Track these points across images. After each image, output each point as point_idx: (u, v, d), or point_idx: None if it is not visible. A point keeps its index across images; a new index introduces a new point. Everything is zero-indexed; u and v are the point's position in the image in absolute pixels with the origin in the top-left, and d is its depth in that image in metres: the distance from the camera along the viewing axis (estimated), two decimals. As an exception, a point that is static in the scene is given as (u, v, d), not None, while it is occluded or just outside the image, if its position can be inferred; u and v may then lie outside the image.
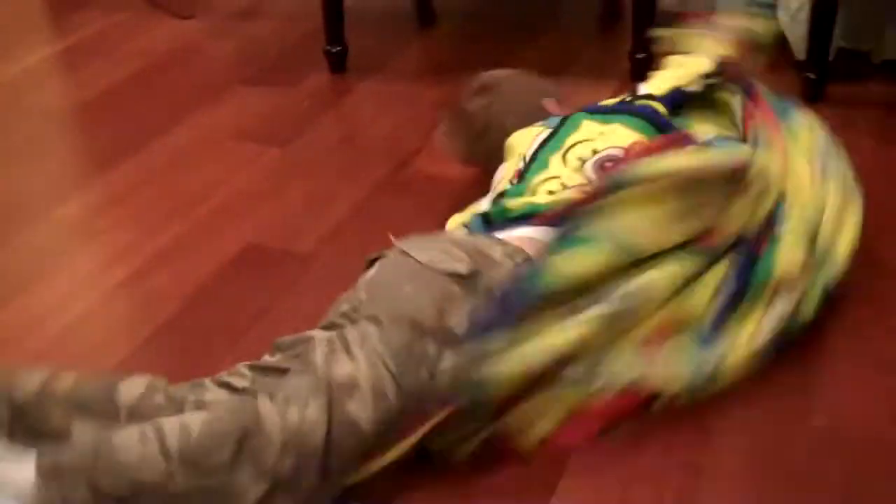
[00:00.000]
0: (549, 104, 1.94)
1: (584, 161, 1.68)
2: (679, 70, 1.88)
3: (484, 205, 1.69)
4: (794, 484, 1.41)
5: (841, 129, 2.23)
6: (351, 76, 2.56)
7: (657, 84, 1.86)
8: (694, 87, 1.84)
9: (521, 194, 1.65)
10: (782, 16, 2.47)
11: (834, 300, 1.72)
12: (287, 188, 2.12)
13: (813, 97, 2.34)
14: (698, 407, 1.53)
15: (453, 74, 2.01)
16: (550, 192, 1.64)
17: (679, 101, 1.83)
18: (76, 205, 2.11)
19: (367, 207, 2.05)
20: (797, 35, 2.44)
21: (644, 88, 1.86)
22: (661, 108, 1.79)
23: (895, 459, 1.44)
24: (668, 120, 1.77)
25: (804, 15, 2.39)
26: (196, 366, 1.65)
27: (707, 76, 1.85)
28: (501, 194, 1.69)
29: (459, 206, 1.79)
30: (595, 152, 1.69)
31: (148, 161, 2.25)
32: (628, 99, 1.84)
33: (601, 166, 1.67)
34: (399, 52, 2.69)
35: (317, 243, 1.94)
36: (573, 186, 1.64)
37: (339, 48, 2.56)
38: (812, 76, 2.33)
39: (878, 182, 2.06)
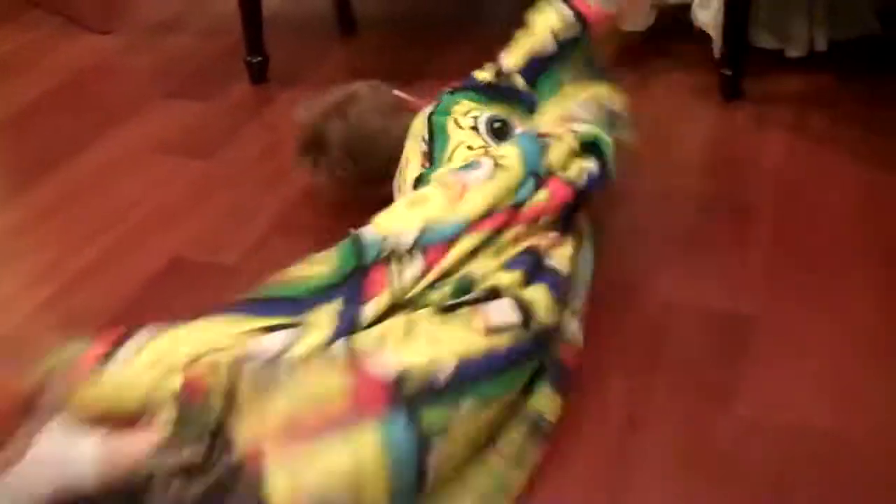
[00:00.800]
0: (402, 93, 1.99)
1: (475, 123, 1.76)
2: (530, 37, 1.90)
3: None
4: (720, 473, 1.44)
5: (757, 125, 2.29)
6: (273, 86, 2.56)
7: (514, 57, 1.88)
8: (549, 50, 1.87)
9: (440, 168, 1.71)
10: (701, 16, 2.51)
11: (754, 285, 1.76)
12: (211, 200, 2.11)
13: (730, 94, 2.39)
14: (623, 399, 1.56)
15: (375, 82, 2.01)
16: (465, 159, 1.70)
17: (539, 68, 1.87)
18: (-4, 225, 2.08)
19: (292, 218, 2.04)
20: (718, 34, 2.48)
21: (504, 61, 1.89)
22: (520, 81, 1.85)
23: (820, 445, 1.47)
24: (527, 93, 1.85)
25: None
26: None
27: (558, 33, 1.87)
28: (419, 178, 1.71)
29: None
30: (477, 118, 1.78)
31: (69, 178, 2.22)
32: (493, 80, 1.87)
33: (491, 127, 1.74)
34: (320, 61, 2.69)
35: (242, 255, 1.94)
36: (478, 147, 1.71)
37: (259, 58, 2.55)
38: (728, 73, 2.38)
39: (792, 175, 2.11)
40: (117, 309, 1.81)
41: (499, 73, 1.88)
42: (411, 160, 1.81)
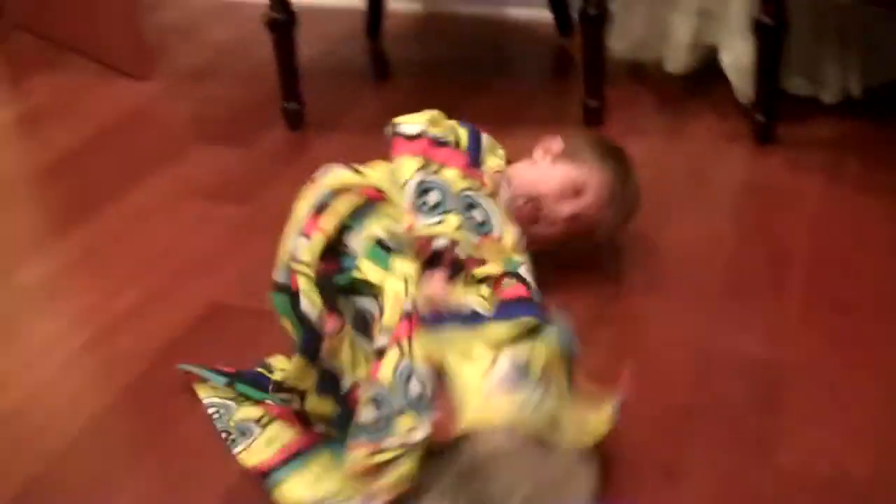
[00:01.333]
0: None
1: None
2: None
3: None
4: (760, 522, 1.43)
5: (792, 170, 2.29)
6: (308, 132, 2.58)
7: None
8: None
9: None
10: (725, 59, 2.52)
11: (790, 332, 1.75)
12: (248, 246, 2.13)
13: (764, 139, 2.39)
14: (661, 450, 1.55)
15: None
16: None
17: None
18: (37, 268, 2.10)
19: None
20: (741, 78, 2.49)
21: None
22: None
23: (861, 495, 1.46)
24: None
25: (748, 58, 2.45)
26: (160, 428, 1.65)
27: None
28: None
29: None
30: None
31: (107, 222, 2.25)
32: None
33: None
34: (355, 107, 2.71)
35: (279, 299, 1.95)
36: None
37: (295, 105, 2.58)
38: (762, 119, 2.38)
39: (827, 220, 2.10)
40: (156, 353, 1.82)
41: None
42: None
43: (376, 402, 1.40)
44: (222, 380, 1.69)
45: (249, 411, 1.65)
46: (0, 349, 1.86)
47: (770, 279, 1.93)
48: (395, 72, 3.00)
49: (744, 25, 2.42)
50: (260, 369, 1.73)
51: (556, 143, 1.91)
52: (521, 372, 1.39)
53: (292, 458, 1.54)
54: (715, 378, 1.70)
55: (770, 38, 2.29)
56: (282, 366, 1.70)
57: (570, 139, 1.92)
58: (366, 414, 1.40)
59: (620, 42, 2.67)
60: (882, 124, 2.46)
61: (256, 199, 2.30)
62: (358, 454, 1.38)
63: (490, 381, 1.38)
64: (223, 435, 1.62)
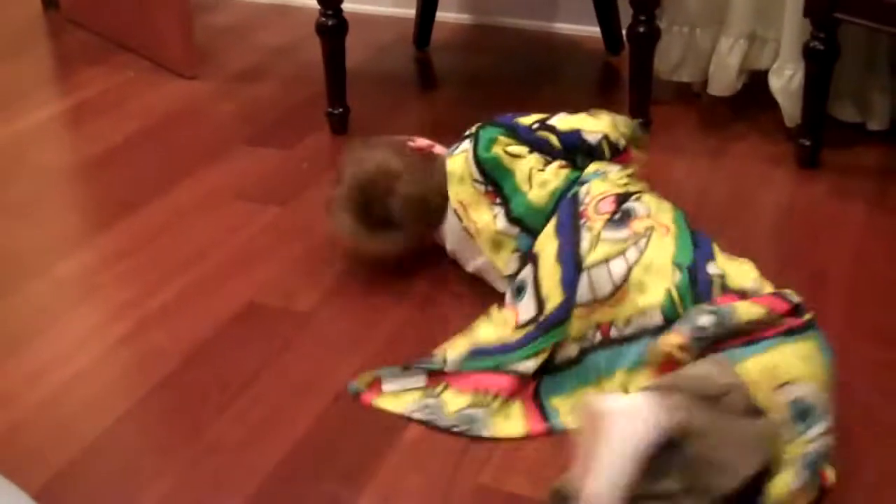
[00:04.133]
0: (415, 141, 2.08)
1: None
2: (587, 120, 1.96)
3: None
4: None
5: (835, 197, 2.27)
6: (352, 137, 2.59)
7: (562, 122, 1.96)
8: (591, 138, 1.92)
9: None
10: (774, 83, 2.51)
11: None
12: (286, 247, 2.14)
13: (808, 164, 2.37)
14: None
15: (453, 136, 2.03)
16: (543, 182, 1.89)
17: (574, 143, 1.92)
18: (77, 261, 2.13)
19: (366, 267, 2.06)
20: (790, 102, 2.48)
21: (555, 120, 1.97)
22: (554, 140, 1.93)
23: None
24: (559, 151, 1.93)
25: (797, 83, 2.43)
26: (191, 426, 1.66)
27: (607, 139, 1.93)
28: (517, 219, 1.89)
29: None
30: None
31: (149, 219, 2.27)
32: (535, 126, 1.96)
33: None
34: (400, 115, 2.72)
35: (316, 302, 1.96)
36: (546, 166, 1.91)
37: (340, 110, 2.59)
38: (807, 143, 2.36)
39: (870, 248, 2.08)
40: (191, 350, 1.83)
41: (539, 125, 1.96)
42: (471, 204, 1.90)
43: (718, 316, 1.52)
44: (396, 369, 1.73)
45: (454, 400, 1.67)
46: (37, 340, 1.89)
47: (810, 304, 1.90)
48: (441, 81, 3.01)
49: (796, 50, 2.40)
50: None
51: None
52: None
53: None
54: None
55: (820, 63, 2.29)
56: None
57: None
58: (704, 319, 1.51)
59: (663, 62, 2.66)
60: (929, 154, 2.44)
61: (296, 201, 2.31)
62: (672, 339, 1.52)
63: None
64: (453, 429, 1.63)
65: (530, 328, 1.74)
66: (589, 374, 1.69)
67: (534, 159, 1.92)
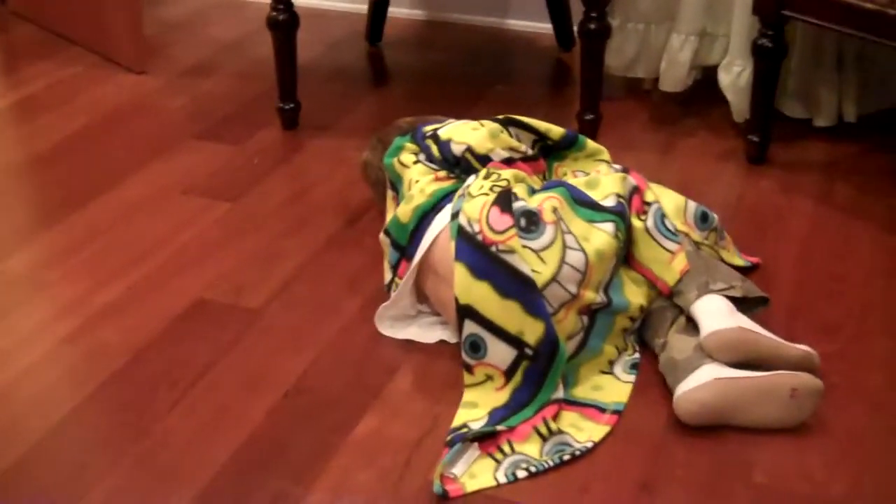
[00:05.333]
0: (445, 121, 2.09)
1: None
2: (461, 130, 1.95)
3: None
4: (734, 540, 1.43)
5: (783, 192, 2.29)
6: (303, 133, 2.58)
7: (447, 130, 1.95)
8: (456, 150, 1.91)
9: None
10: (723, 79, 2.53)
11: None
12: (236, 243, 2.13)
13: (756, 159, 2.40)
14: (639, 467, 1.55)
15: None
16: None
17: (447, 154, 1.92)
18: (24, 258, 2.10)
19: (317, 263, 2.06)
20: (739, 99, 2.50)
21: (443, 128, 1.98)
22: (435, 150, 1.94)
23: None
24: (437, 161, 1.94)
25: (746, 79, 2.46)
26: (140, 422, 1.65)
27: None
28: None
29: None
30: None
31: (98, 214, 2.25)
32: (428, 134, 1.98)
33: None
34: (351, 110, 2.71)
35: (265, 298, 1.95)
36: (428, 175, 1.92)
37: (291, 105, 2.58)
38: (755, 139, 2.39)
39: (816, 243, 2.11)
40: (139, 347, 1.82)
41: (432, 132, 1.96)
42: (390, 207, 1.98)
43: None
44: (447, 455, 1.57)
45: (529, 447, 1.60)
46: (-17, 336, 1.86)
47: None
48: (393, 77, 3.01)
49: (745, 47, 2.43)
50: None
51: None
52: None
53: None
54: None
55: (768, 60, 2.31)
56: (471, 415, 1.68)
57: None
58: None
59: (617, 59, 2.68)
60: (873, 150, 2.47)
61: (247, 196, 2.30)
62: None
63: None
64: (559, 463, 1.57)
65: (525, 365, 1.67)
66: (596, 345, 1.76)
67: (417, 170, 1.91)
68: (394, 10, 3.15)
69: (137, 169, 2.42)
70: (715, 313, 1.68)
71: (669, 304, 1.78)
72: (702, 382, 1.59)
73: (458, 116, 2.03)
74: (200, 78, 2.92)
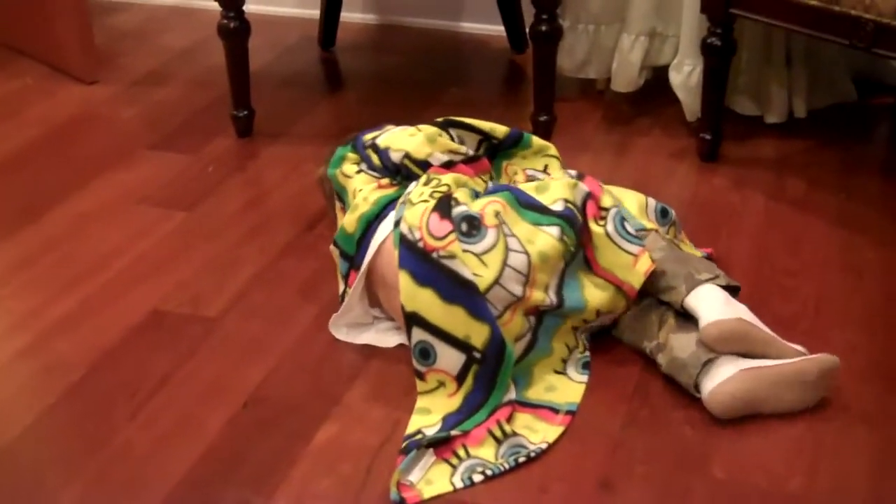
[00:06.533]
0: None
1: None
2: (399, 137, 1.95)
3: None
4: (694, 535, 1.44)
5: (735, 189, 2.32)
6: (258, 140, 2.57)
7: (386, 138, 1.96)
8: (394, 157, 1.92)
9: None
10: (674, 78, 2.56)
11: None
12: (192, 252, 2.12)
13: (709, 157, 2.42)
14: (597, 466, 1.56)
15: (359, 138, 2.03)
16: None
17: (386, 161, 1.93)
18: (-24, 272, 2.08)
19: (273, 271, 2.05)
20: (690, 97, 2.52)
21: (382, 136, 1.98)
22: (375, 158, 1.95)
23: (792, 508, 1.48)
24: (378, 169, 1.95)
25: (696, 78, 2.48)
26: (98, 435, 1.64)
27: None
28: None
29: (365, 268, 1.80)
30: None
31: (51, 227, 2.23)
32: (368, 143, 1.99)
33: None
34: (306, 116, 2.71)
35: (222, 307, 1.94)
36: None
37: (245, 112, 2.57)
38: (707, 137, 2.41)
39: (769, 238, 2.13)
40: (96, 359, 1.80)
41: (371, 140, 1.97)
42: (340, 218, 1.97)
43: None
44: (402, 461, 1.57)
45: (485, 451, 1.60)
46: (-64, 352, 1.84)
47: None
48: (347, 82, 3.00)
49: (694, 46, 2.45)
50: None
51: None
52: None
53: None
54: (653, 390, 1.71)
55: (718, 58, 2.33)
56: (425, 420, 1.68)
57: None
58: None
59: (568, 60, 2.69)
60: (823, 145, 2.50)
61: (202, 205, 2.29)
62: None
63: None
64: (514, 466, 1.57)
65: (475, 369, 1.68)
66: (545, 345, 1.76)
67: (360, 179, 1.92)
68: (346, 15, 3.15)
69: (90, 180, 2.40)
70: (713, 302, 1.69)
71: (650, 307, 1.79)
72: (729, 375, 1.61)
73: (413, 120, 2.03)
74: (153, 87, 2.90)
